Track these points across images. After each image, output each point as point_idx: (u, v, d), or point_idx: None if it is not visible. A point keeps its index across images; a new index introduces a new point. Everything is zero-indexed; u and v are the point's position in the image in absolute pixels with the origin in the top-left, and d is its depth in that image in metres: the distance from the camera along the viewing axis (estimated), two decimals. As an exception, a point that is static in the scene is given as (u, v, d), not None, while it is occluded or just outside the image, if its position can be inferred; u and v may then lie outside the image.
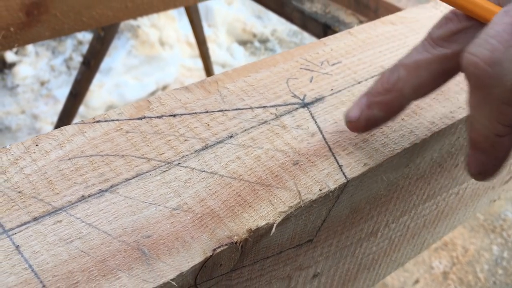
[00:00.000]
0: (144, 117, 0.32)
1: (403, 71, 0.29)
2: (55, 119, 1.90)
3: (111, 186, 0.28)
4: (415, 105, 0.35)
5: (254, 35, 2.55)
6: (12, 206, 0.26)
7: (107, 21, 0.77)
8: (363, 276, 0.43)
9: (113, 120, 0.31)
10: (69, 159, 0.29)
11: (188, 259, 0.25)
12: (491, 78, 0.24)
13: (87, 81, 1.52)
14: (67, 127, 0.30)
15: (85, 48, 2.28)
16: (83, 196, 0.27)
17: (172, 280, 0.24)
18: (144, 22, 2.30)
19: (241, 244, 0.26)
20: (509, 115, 0.25)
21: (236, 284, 0.29)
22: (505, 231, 2.01)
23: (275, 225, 0.27)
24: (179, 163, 0.29)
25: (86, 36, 2.29)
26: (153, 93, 2.06)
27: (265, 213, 0.27)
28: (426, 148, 0.34)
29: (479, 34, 0.25)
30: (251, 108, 0.34)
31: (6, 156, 0.28)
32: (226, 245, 0.26)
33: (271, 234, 0.27)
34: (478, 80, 0.25)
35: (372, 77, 0.37)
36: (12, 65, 2.18)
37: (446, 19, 0.29)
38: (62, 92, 2.07)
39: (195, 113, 0.33)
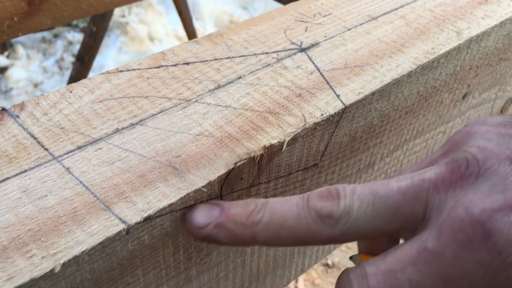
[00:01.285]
0: (161, 66, 0.36)
1: (267, 217, 0.27)
2: (51, 118, 1.93)
3: (140, 120, 0.32)
4: (400, 44, 0.40)
5: (241, 26, 2.58)
6: (58, 139, 0.30)
7: (104, 7, 0.81)
8: (364, 210, 0.48)
9: (134, 70, 0.35)
10: (101, 101, 0.33)
11: (214, 171, 0.29)
12: None
13: (82, 77, 1.55)
14: (95, 76, 0.34)
15: (75, 48, 2.30)
16: (117, 128, 0.31)
17: (203, 187, 0.28)
18: (133, 19, 2.33)
19: (257, 159, 0.30)
20: None
21: (254, 201, 0.33)
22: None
23: (286, 142, 0.31)
24: (196, 100, 0.33)
25: (75, 36, 2.32)
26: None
27: (276, 134, 0.31)
28: (412, 80, 0.38)
29: (366, 261, 0.26)
30: (255, 54, 0.38)
31: (45, 101, 0.32)
32: (245, 159, 0.30)
33: (282, 151, 0.31)
34: None
35: (361, 24, 0.42)
36: (4, 69, 2.21)
37: (328, 193, 0.27)
38: (56, 93, 2.10)
39: (206, 60, 0.37)
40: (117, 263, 0.27)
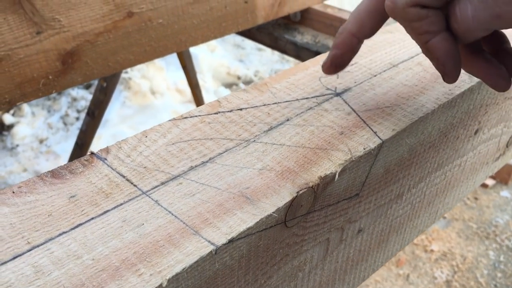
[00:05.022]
0: (219, 112, 0.41)
1: (350, 17, 0.41)
2: (58, 173, 1.96)
3: (210, 159, 0.36)
4: (421, 87, 0.45)
5: (239, 77, 2.68)
6: (143, 176, 0.34)
7: (130, 64, 0.87)
8: (393, 238, 0.52)
9: (196, 116, 0.40)
10: (173, 144, 0.38)
11: (281, 199, 0.33)
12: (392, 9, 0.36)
13: (92, 131, 1.61)
14: (164, 123, 0.39)
15: (80, 104, 2.37)
16: (191, 166, 0.36)
17: (273, 213, 0.33)
18: (135, 74, 2.42)
19: (315, 188, 0.35)
20: (416, 28, 0.36)
21: (308, 227, 0.38)
22: (498, 236, 2.10)
23: (337, 172, 0.36)
24: (254, 140, 0.38)
25: (79, 93, 2.39)
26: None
27: (328, 167, 0.36)
28: (434, 118, 0.44)
29: None
30: (297, 99, 0.43)
31: (126, 145, 0.37)
32: (305, 188, 0.34)
33: (335, 181, 0.36)
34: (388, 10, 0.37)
35: (384, 71, 0.48)
36: (10, 127, 2.26)
37: None
38: (62, 147, 2.15)
39: (256, 106, 0.42)
40: (204, 281, 0.31)
